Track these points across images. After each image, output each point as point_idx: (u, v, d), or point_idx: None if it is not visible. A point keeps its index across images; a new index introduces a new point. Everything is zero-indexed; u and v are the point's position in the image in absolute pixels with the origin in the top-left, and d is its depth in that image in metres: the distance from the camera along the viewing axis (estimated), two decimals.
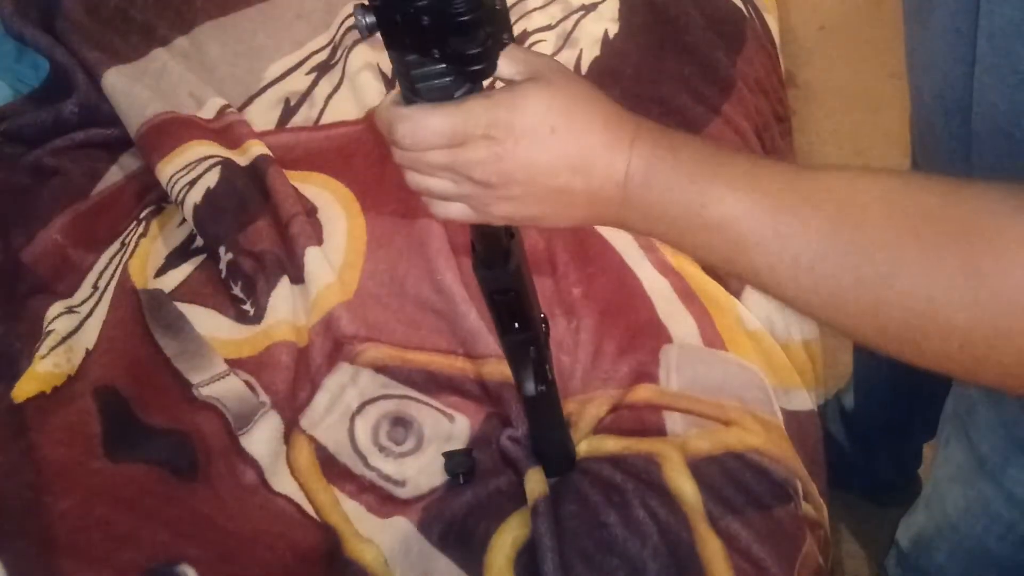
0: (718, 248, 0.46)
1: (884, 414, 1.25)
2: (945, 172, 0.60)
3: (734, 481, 0.82)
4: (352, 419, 0.91)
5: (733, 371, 0.92)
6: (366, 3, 0.41)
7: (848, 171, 0.44)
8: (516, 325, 0.65)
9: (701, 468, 0.83)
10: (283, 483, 0.87)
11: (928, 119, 0.60)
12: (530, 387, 0.68)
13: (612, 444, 0.86)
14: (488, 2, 0.41)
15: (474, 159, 0.47)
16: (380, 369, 0.94)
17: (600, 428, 0.89)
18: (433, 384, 0.93)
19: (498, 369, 0.92)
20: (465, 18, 0.40)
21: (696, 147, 0.47)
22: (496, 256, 0.58)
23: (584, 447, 0.87)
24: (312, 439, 0.90)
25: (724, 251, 0.46)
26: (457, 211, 0.51)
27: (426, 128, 0.46)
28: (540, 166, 0.46)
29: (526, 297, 0.62)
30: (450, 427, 0.91)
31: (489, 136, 0.45)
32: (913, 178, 0.42)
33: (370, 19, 0.41)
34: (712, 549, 0.78)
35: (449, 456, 0.86)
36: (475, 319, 0.95)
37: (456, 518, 0.83)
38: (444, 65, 0.44)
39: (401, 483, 0.87)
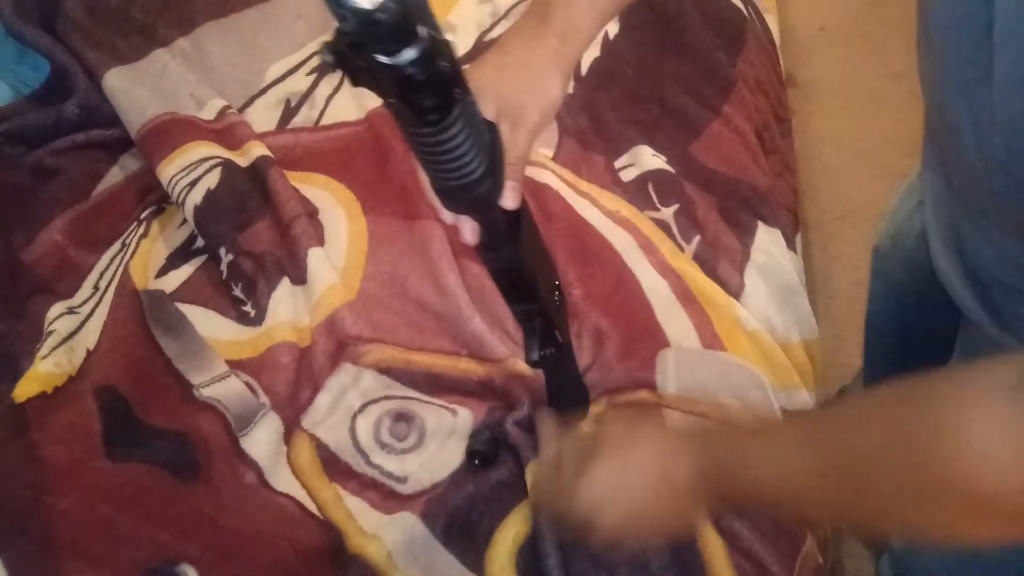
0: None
1: None
2: (968, 185, 0.60)
3: None
4: (354, 418, 0.91)
5: (732, 371, 0.92)
6: (329, 40, 0.43)
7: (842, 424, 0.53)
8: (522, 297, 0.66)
9: None
10: (284, 483, 0.87)
11: (951, 134, 0.60)
12: (532, 356, 0.70)
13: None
14: (438, 64, 0.42)
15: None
16: (384, 371, 0.94)
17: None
18: (436, 386, 0.94)
19: (505, 369, 0.92)
20: (417, 79, 0.41)
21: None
22: (497, 238, 0.60)
23: (588, 430, 0.87)
24: (313, 438, 0.90)
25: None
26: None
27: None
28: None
29: (529, 276, 0.63)
30: (453, 421, 0.91)
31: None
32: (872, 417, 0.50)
33: (331, 58, 0.42)
34: (714, 547, 0.79)
35: (474, 435, 0.88)
36: (479, 323, 0.95)
37: (459, 512, 0.83)
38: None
39: (403, 479, 0.87)
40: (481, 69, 0.60)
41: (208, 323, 0.99)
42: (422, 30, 0.40)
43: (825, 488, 0.51)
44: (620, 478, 0.60)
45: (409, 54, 0.40)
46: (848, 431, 0.51)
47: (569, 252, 1.03)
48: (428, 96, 0.44)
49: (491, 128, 0.53)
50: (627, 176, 1.13)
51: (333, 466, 0.88)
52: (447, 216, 0.58)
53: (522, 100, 0.58)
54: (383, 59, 0.40)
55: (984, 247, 0.63)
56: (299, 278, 1.01)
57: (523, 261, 0.62)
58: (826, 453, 0.51)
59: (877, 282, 0.98)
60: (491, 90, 0.57)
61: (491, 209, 0.56)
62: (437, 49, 0.41)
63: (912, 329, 0.92)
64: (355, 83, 0.43)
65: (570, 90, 1.25)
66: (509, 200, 0.56)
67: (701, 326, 0.96)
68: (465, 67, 0.47)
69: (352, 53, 0.41)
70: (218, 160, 1.10)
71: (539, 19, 0.61)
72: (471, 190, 0.52)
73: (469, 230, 0.58)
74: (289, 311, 0.98)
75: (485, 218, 0.58)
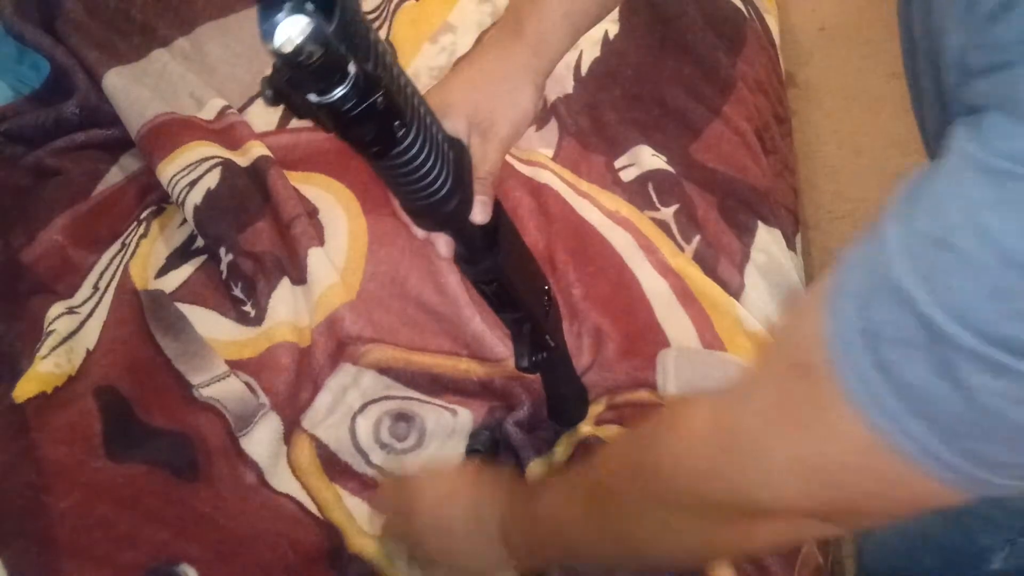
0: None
1: None
2: None
3: None
4: (354, 418, 0.91)
5: (732, 371, 0.92)
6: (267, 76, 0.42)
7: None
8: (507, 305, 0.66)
9: None
10: (284, 483, 0.87)
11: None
12: (522, 362, 0.70)
13: (616, 433, 0.87)
14: (371, 100, 0.41)
15: None
16: (384, 371, 0.94)
17: (601, 420, 0.89)
18: (437, 386, 0.94)
19: (505, 369, 0.92)
20: (350, 116, 0.41)
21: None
22: (475, 251, 0.60)
23: (587, 429, 0.88)
24: (313, 438, 0.90)
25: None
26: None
27: None
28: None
29: (512, 286, 0.63)
30: (453, 421, 0.91)
31: None
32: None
33: (270, 93, 0.42)
34: None
35: (473, 435, 0.88)
36: (479, 323, 0.95)
37: None
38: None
39: None
40: (453, 82, 0.60)
41: (208, 323, 0.99)
42: (352, 67, 0.39)
43: (594, 526, 0.52)
44: (440, 506, 0.65)
45: (338, 92, 0.40)
46: (598, 462, 0.54)
47: (569, 252, 1.03)
48: (366, 131, 0.44)
49: (455, 145, 0.53)
50: (627, 176, 1.13)
51: (333, 466, 0.88)
52: (419, 232, 0.58)
53: (493, 113, 0.58)
54: (312, 98, 0.40)
55: None
56: (299, 278, 1.01)
57: (504, 271, 0.62)
58: (584, 491, 0.53)
59: None
60: (462, 103, 0.57)
61: (462, 225, 0.56)
62: (369, 86, 0.41)
63: None
64: (299, 116, 0.43)
65: (570, 90, 1.25)
66: (478, 215, 0.56)
67: (701, 326, 0.96)
68: (437, 81, 0.47)
69: (289, 89, 0.41)
70: (218, 160, 1.10)
71: (512, 31, 0.61)
72: (438, 208, 0.52)
73: (443, 245, 0.58)
74: (289, 311, 0.98)
75: (459, 233, 0.57)
